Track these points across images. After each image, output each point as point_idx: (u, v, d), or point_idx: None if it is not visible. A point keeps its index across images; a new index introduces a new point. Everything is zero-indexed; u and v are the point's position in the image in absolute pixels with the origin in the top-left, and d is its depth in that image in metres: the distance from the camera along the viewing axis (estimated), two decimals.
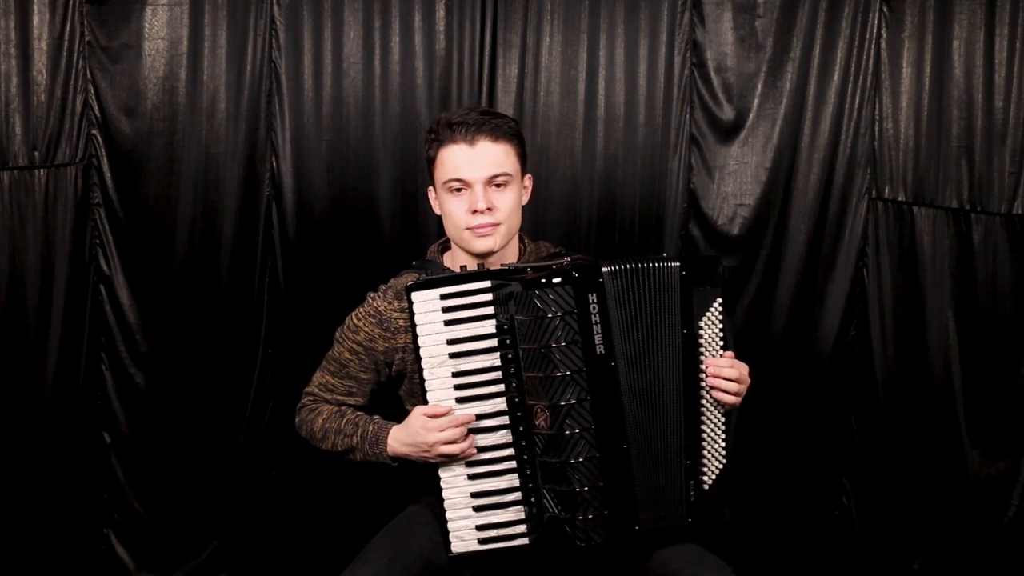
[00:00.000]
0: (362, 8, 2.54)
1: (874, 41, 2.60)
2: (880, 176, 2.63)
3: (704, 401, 1.77)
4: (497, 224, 1.83)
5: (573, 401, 1.68)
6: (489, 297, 1.73)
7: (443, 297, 1.73)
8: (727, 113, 2.63)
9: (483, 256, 1.86)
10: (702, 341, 1.76)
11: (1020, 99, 2.55)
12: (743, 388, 1.79)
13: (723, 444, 1.79)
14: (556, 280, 1.67)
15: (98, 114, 2.52)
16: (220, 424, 2.62)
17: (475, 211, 1.81)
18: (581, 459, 1.69)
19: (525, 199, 1.93)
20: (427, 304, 1.73)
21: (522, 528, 1.75)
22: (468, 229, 1.83)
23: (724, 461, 1.79)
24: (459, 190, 1.84)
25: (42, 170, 2.50)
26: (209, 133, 2.54)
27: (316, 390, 1.99)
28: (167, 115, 2.53)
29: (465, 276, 1.75)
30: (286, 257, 2.60)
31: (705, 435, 1.77)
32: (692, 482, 1.76)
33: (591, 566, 1.82)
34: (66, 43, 2.48)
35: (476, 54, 2.58)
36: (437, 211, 1.93)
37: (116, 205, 2.55)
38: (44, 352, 2.52)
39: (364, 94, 2.57)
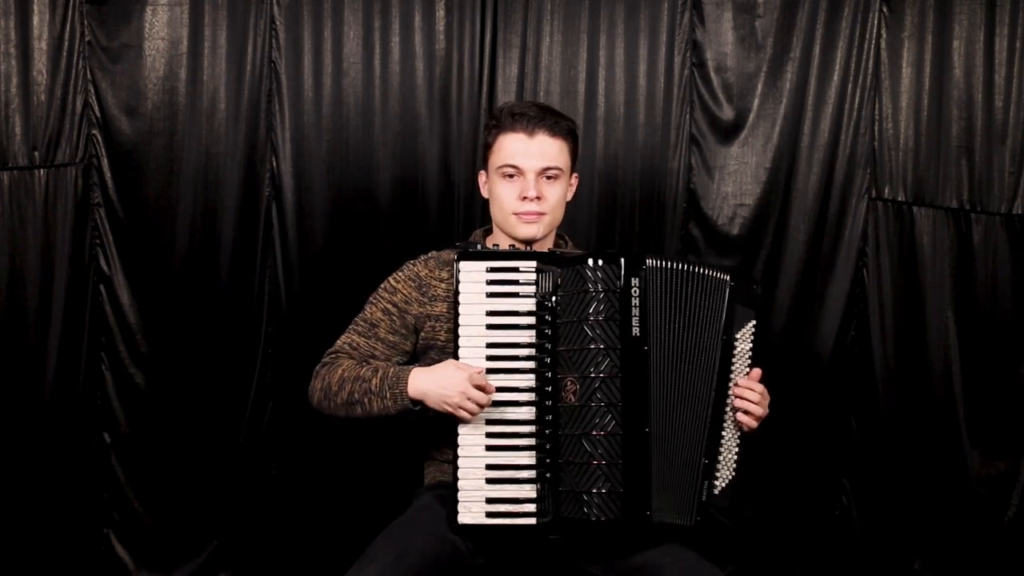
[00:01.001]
0: (362, 8, 2.54)
1: (874, 41, 2.60)
2: (880, 176, 2.63)
3: (728, 408, 1.82)
4: (543, 214, 1.91)
5: (603, 375, 1.72)
6: (533, 276, 1.79)
7: (490, 270, 1.79)
8: (727, 113, 2.63)
9: (525, 244, 1.93)
10: (736, 352, 1.82)
11: (1020, 99, 2.55)
12: (763, 414, 1.85)
13: (736, 454, 1.83)
14: (601, 260, 1.74)
15: (98, 114, 2.52)
16: (220, 424, 2.62)
17: (525, 198, 1.89)
18: (603, 433, 1.72)
19: (570, 196, 2.00)
20: (473, 275, 1.79)
21: (531, 507, 1.76)
22: (515, 214, 1.91)
23: (734, 472, 1.82)
24: (512, 176, 1.91)
25: (42, 170, 2.50)
26: (209, 133, 2.54)
27: (340, 348, 1.98)
28: (167, 115, 2.53)
29: (514, 254, 1.82)
30: (286, 257, 2.60)
31: (724, 440, 1.82)
32: (706, 482, 1.79)
33: (593, 553, 1.83)
34: (66, 43, 2.49)
35: (476, 54, 2.58)
36: (485, 195, 2.00)
37: (116, 205, 2.55)
38: (44, 352, 2.52)
39: (364, 94, 2.57)
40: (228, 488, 2.64)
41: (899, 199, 2.63)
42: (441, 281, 1.96)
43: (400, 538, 1.79)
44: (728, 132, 2.64)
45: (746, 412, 1.83)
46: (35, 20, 2.46)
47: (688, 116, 2.63)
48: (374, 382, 1.85)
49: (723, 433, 1.81)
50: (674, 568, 1.73)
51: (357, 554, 1.78)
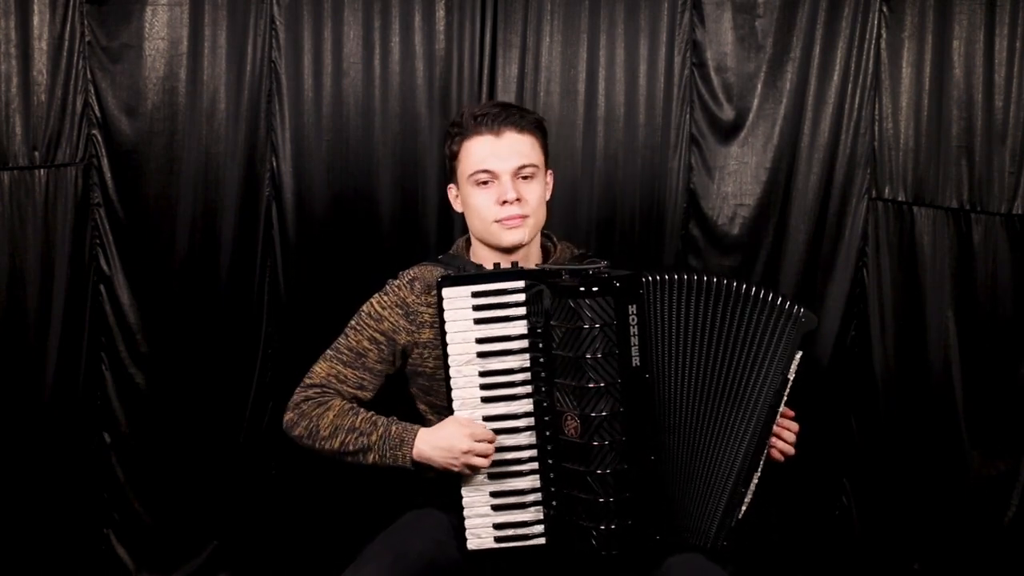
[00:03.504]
0: (362, 8, 2.54)
1: (874, 41, 2.60)
2: (880, 176, 2.63)
3: (767, 440, 1.78)
4: (526, 216, 1.81)
5: (605, 413, 1.66)
6: (522, 298, 1.71)
7: (475, 295, 1.71)
8: (727, 113, 2.63)
9: (511, 250, 1.84)
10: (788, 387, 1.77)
11: (1020, 99, 2.55)
12: (793, 453, 1.84)
13: (757, 480, 1.79)
14: (595, 289, 1.64)
15: (98, 114, 2.52)
16: (220, 424, 2.62)
17: (504, 202, 1.79)
18: (608, 471, 1.67)
19: (548, 194, 1.91)
20: (458, 301, 1.71)
21: (539, 528, 1.74)
22: (497, 222, 1.81)
23: (752, 496, 1.79)
24: (486, 182, 1.81)
25: (42, 170, 2.50)
26: (209, 133, 2.54)
27: (325, 381, 1.91)
28: (167, 115, 2.53)
29: (499, 274, 1.73)
30: (286, 257, 2.60)
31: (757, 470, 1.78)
32: (738, 510, 1.75)
33: (604, 568, 1.82)
34: (66, 43, 2.48)
35: (476, 54, 2.58)
36: (459, 209, 1.91)
37: (116, 205, 2.55)
38: (44, 352, 2.52)
39: (364, 94, 2.56)
40: (228, 488, 2.64)
41: (899, 199, 2.63)
42: (428, 307, 1.87)
43: (398, 540, 1.77)
44: (728, 132, 2.64)
45: (783, 445, 1.82)
46: (35, 20, 2.46)
47: (688, 116, 2.63)
48: (372, 438, 1.81)
49: (760, 463, 1.77)
50: (680, 569, 1.73)
51: (357, 554, 1.78)
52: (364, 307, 1.92)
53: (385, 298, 1.90)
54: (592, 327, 1.64)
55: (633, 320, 1.65)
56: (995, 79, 2.55)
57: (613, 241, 2.63)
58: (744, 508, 1.77)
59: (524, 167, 1.81)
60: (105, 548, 2.65)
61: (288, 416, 1.94)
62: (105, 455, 2.62)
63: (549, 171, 1.92)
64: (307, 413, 1.90)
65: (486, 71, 2.58)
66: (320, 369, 1.93)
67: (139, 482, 2.64)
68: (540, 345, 1.69)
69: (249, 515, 2.66)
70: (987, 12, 2.53)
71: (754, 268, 2.65)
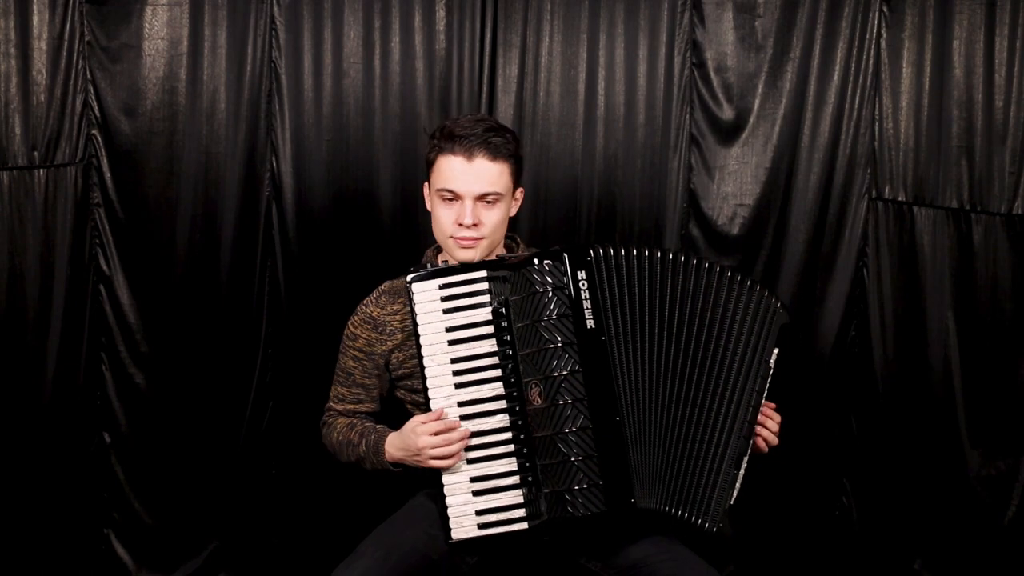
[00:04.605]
0: (362, 8, 2.54)
1: (874, 41, 2.60)
2: (880, 176, 2.63)
3: (755, 425, 1.84)
4: (480, 239, 1.87)
5: (565, 372, 1.73)
6: (486, 286, 1.80)
7: (442, 287, 1.80)
8: (727, 113, 2.63)
9: None
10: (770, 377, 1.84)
11: (1020, 99, 2.55)
12: (776, 443, 1.89)
13: (746, 466, 1.84)
14: (547, 260, 1.75)
15: (98, 114, 2.52)
16: (220, 424, 2.62)
17: (461, 224, 1.86)
18: (574, 429, 1.73)
19: (513, 211, 1.97)
20: (427, 295, 1.80)
21: (521, 512, 1.78)
22: (452, 238, 1.88)
23: (741, 484, 1.83)
24: (450, 200, 1.87)
25: (42, 170, 2.50)
26: (209, 133, 2.54)
27: (331, 403, 2.04)
28: (167, 115, 2.53)
29: (464, 267, 1.83)
30: (286, 257, 2.60)
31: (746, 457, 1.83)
32: (731, 492, 1.80)
33: (587, 548, 1.84)
34: (66, 43, 2.49)
35: (476, 54, 2.58)
36: (428, 208, 1.98)
37: (116, 205, 2.55)
38: (44, 352, 2.52)
39: (364, 94, 2.57)
40: (228, 488, 2.64)
41: (899, 199, 2.63)
42: (395, 315, 1.97)
43: (391, 535, 1.83)
44: (728, 132, 2.64)
45: (767, 435, 1.86)
46: (35, 20, 2.46)
47: (688, 116, 2.63)
48: (361, 449, 1.92)
49: (748, 448, 1.83)
50: (670, 565, 1.75)
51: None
52: (344, 330, 2.03)
53: (356, 318, 2.01)
54: (545, 291, 1.74)
55: (583, 285, 1.75)
56: (995, 79, 2.55)
57: (613, 242, 2.63)
58: (735, 493, 1.81)
59: (488, 194, 1.87)
60: (105, 548, 2.65)
61: (323, 441, 2.08)
62: (105, 455, 2.62)
63: (519, 189, 1.97)
64: (325, 436, 2.04)
65: (486, 71, 2.59)
66: (331, 392, 2.06)
67: (139, 482, 2.64)
68: (504, 324, 1.78)
69: (249, 515, 2.66)
70: (987, 12, 2.54)
71: (754, 268, 2.65)
